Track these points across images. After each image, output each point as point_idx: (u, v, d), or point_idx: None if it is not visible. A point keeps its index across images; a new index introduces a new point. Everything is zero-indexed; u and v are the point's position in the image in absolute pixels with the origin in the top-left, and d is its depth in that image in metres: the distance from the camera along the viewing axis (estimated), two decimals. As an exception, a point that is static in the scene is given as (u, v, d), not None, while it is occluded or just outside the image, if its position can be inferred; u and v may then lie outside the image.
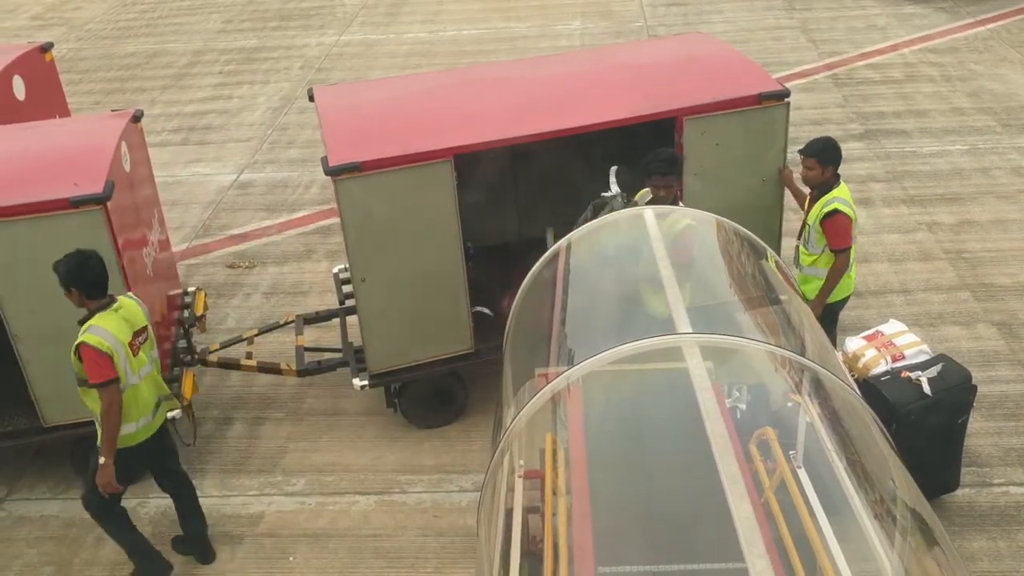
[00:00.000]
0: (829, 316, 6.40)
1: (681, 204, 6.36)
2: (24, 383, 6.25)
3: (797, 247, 6.56)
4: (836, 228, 6.15)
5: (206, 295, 8.18)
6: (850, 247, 6.22)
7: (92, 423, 6.00)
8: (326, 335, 8.02)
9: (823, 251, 6.25)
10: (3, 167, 6.34)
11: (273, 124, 12.43)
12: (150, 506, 6.56)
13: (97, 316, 5.30)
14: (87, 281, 5.26)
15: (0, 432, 6.51)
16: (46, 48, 8.55)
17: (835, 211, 6.13)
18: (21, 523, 6.50)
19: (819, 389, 4.47)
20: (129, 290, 6.05)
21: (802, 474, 4.55)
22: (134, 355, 5.37)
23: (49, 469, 6.89)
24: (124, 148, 6.58)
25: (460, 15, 16.21)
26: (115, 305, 5.39)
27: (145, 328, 5.52)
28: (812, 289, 6.36)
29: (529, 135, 6.50)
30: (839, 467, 4.27)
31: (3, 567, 6.17)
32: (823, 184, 6.23)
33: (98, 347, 5.16)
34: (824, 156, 6.19)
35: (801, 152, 6.27)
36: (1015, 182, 9.77)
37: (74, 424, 6.38)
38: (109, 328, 5.25)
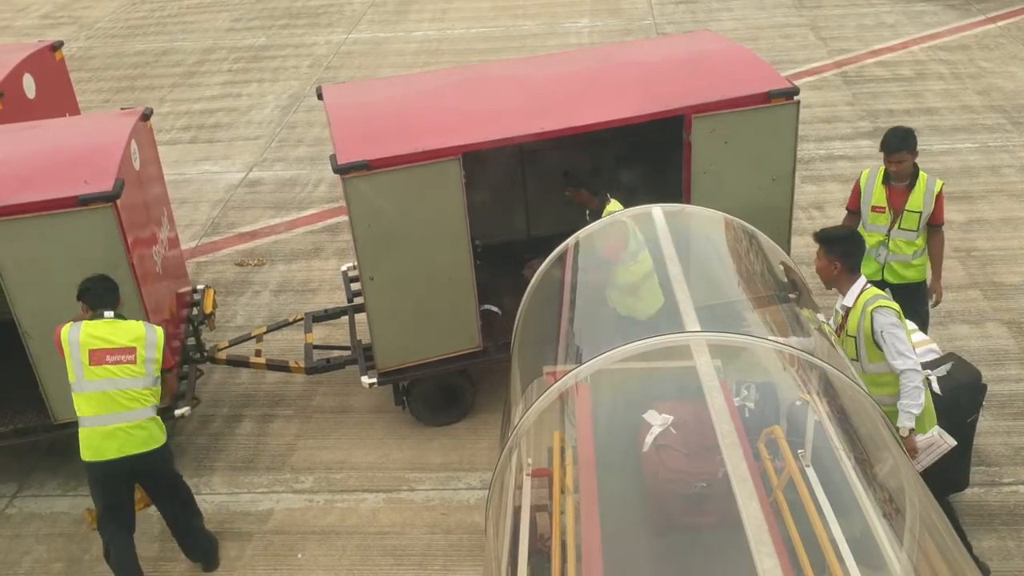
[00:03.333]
0: (924, 294, 6.55)
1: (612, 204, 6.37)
2: (35, 380, 6.27)
3: (879, 249, 6.37)
4: (943, 201, 6.35)
5: (215, 293, 8.20)
6: None
7: None
8: (335, 333, 8.03)
9: (921, 234, 6.34)
10: (14, 165, 6.36)
11: (282, 122, 12.46)
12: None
13: (87, 321, 5.57)
14: (95, 296, 5.59)
15: (11, 429, 6.53)
16: (56, 47, 8.58)
17: (943, 184, 6.31)
18: (31, 519, 6.53)
19: (828, 387, 4.46)
20: (140, 289, 6.08)
21: (810, 473, 4.54)
22: (91, 363, 5.41)
23: (59, 466, 6.93)
24: (134, 146, 6.60)
25: (469, 13, 16.21)
26: (109, 316, 5.55)
27: (132, 350, 5.47)
28: (916, 274, 6.46)
29: (538, 134, 6.50)
30: (848, 466, 4.26)
31: (13, 563, 6.20)
32: (914, 173, 6.29)
33: (58, 332, 5.51)
34: (913, 143, 6.23)
35: (893, 149, 6.19)
36: (1025, 180, 9.74)
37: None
38: (83, 331, 5.48)
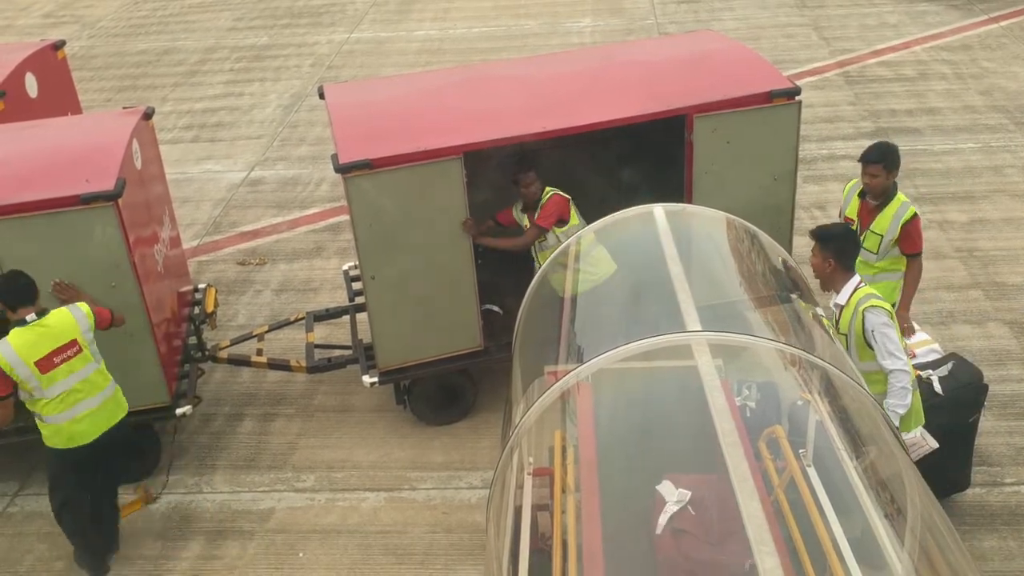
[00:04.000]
0: None
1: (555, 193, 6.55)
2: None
3: None
4: (918, 231, 6.09)
5: (217, 292, 8.21)
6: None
7: None
8: (336, 332, 8.04)
9: (883, 258, 6.14)
10: (16, 164, 6.37)
11: (284, 121, 12.46)
12: (160, 501, 6.58)
13: (12, 331, 5.43)
14: (10, 292, 5.45)
15: (12, 428, 6.52)
16: (58, 46, 8.59)
17: (916, 214, 6.04)
18: (33, 518, 6.54)
19: (829, 387, 4.46)
20: (142, 288, 6.09)
21: (812, 472, 4.54)
22: (44, 372, 5.42)
23: (61, 464, 6.93)
24: (135, 145, 6.60)
25: (470, 12, 16.22)
26: (37, 321, 5.44)
27: (74, 342, 5.51)
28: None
29: (539, 133, 6.50)
30: (849, 466, 4.26)
31: (15, 561, 6.21)
32: (887, 191, 6.08)
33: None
34: (889, 161, 6.02)
35: (868, 160, 6.05)
36: (1028, 180, 9.73)
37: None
38: (15, 345, 5.37)
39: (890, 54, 13.14)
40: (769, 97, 6.62)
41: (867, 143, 10.35)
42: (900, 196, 6.11)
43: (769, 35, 14.11)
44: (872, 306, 5.06)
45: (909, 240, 6.08)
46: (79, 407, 5.61)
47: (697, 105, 6.54)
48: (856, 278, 5.27)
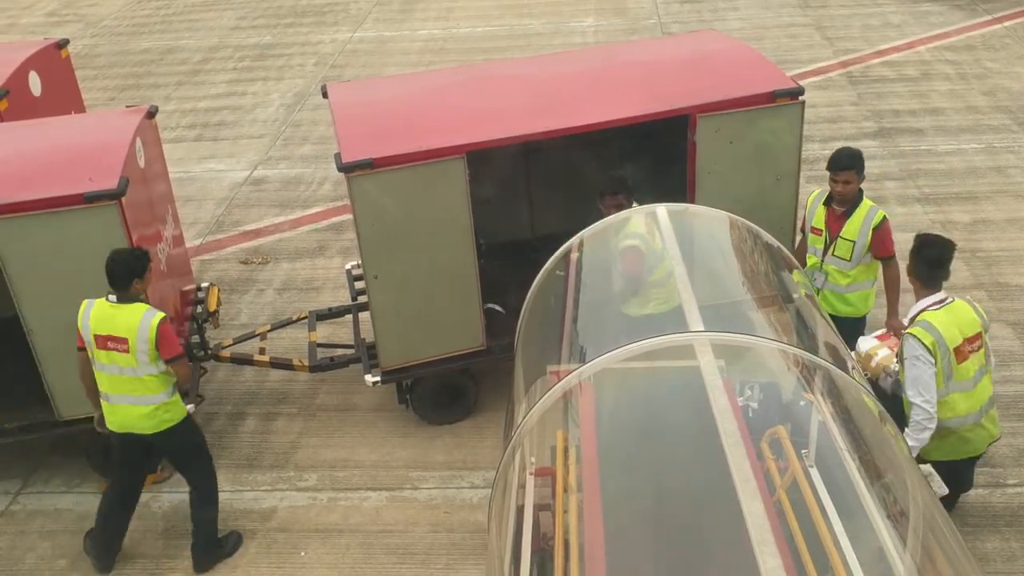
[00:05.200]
0: (859, 330, 6.23)
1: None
2: (39, 376, 6.28)
3: (816, 273, 6.23)
4: (889, 233, 6.07)
5: (219, 291, 8.21)
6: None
7: None
8: (338, 331, 8.04)
9: (857, 265, 6.09)
10: (19, 163, 6.37)
11: (287, 120, 12.47)
12: (163, 500, 6.59)
13: (99, 300, 5.65)
14: (108, 272, 5.58)
15: (15, 426, 6.55)
16: (62, 44, 8.59)
17: (885, 217, 6.02)
18: (35, 516, 6.55)
19: (832, 388, 4.45)
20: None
21: (814, 473, 4.54)
22: (98, 347, 5.58)
23: (64, 463, 6.94)
24: (138, 144, 6.61)
25: (474, 12, 16.21)
26: (115, 303, 5.57)
27: (125, 340, 5.52)
28: (851, 310, 6.20)
29: (542, 132, 6.50)
30: (851, 466, 4.25)
31: (17, 559, 6.22)
32: (851, 197, 6.04)
33: (78, 316, 5.64)
34: (859, 166, 5.97)
35: (840, 167, 5.96)
36: (1031, 181, 9.71)
37: (89, 418, 6.41)
38: (92, 311, 5.62)
39: (893, 54, 13.13)
40: (772, 97, 6.61)
41: (870, 143, 10.46)
42: (867, 201, 6.08)
43: (772, 35, 14.10)
44: (913, 333, 5.09)
45: (882, 244, 6.06)
46: (111, 397, 5.69)
47: (700, 105, 6.54)
48: (934, 297, 5.27)
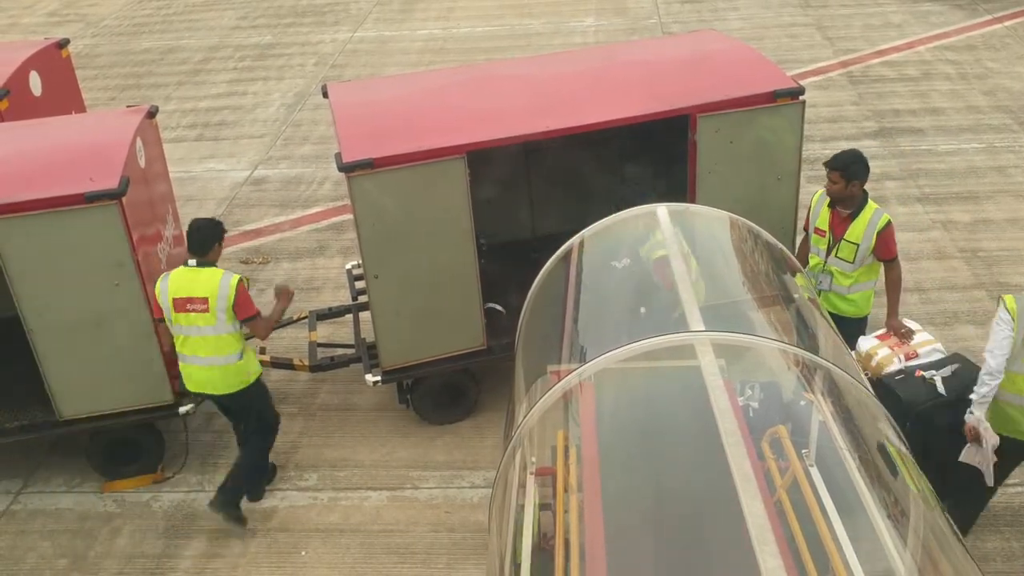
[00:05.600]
0: (860, 330, 6.25)
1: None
2: (39, 376, 6.28)
3: (819, 274, 6.23)
4: (893, 237, 6.07)
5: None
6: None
7: (104, 417, 6.42)
8: (339, 331, 8.04)
9: (859, 267, 6.09)
10: (20, 162, 6.37)
11: (287, 120, 12.47)
12: (163, 500, 6.60)
13: (176, 269, 6.06)
14: (188, 238, 6.03)
15: (16, 425, 6.55)
16: (62, 44, 8.59)
17: (889, 221, 6.02)
18: (36, 516, 6.55)
19: (832, 387, 4.45)
20: (145, 286, 6.10)
21: (814, 473, 4.54)
22: (176, 311, 5.96)
23: (64, 463, 6.94)
24: (139, 144, 6.61)
25: (474, 12, 16.21)
26: (194, 267, 5.97)
27: (205, 300, 5.89)
28: (853, 310, 6.20)
29: (542, 132, 6.50)
30: (852, 466, 4.25)
31: (18, 559, 6.22)
32: (854, 200, 6.03)
33: (155, 288, 6.09)
34: (850, 170, 5.95)
35: (830, 166, 6.00)
36: (1032, 181, 9.71)
37: (89, 418, 6.43)
38: (170, 280, 6.01)
39: (894, 54, 13.13)
40: (773, 97, 6.61)
41: (870, 143, 10.47)
42: (872, 204, 6.07)
43: (772, 35, 14.09)
44: (1004, 297, 5.25)
45: (885, 247, 6.05)
46: (190, 358, 6.05)
47: (700, 105, 6.54)
48: None
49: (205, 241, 5.97)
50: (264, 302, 8.63)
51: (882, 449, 4.33)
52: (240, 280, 5.98)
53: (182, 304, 5.93)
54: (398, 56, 14.47)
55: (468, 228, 6.43)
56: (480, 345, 6.80)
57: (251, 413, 6.33)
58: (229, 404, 6.27)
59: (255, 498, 6.48)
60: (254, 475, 6.44)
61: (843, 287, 6.16)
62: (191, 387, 6.16)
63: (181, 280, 5.96)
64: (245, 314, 5.99)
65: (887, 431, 4.25)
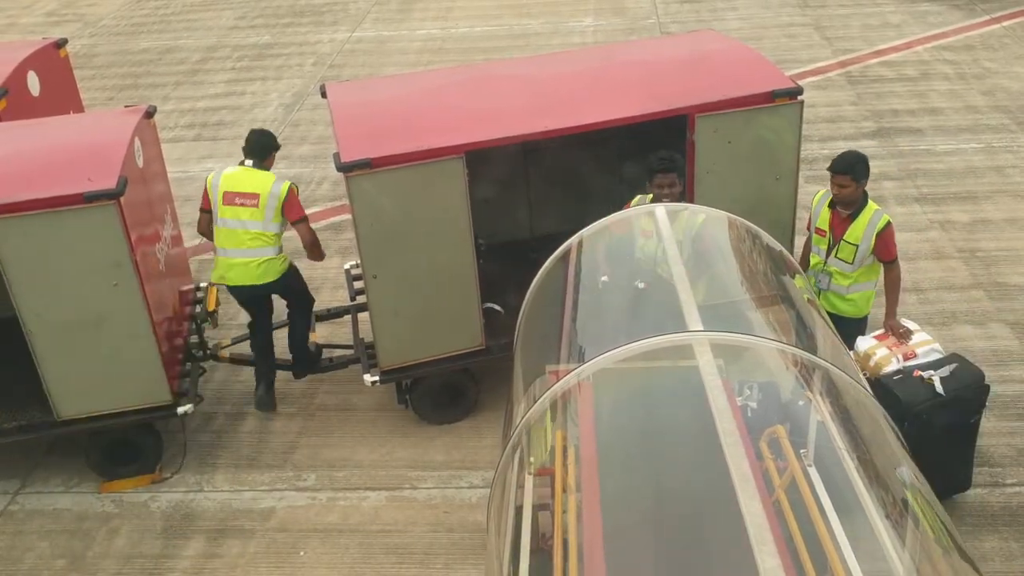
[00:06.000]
0: (860, 330, 6.26)
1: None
2: (38, 377, 6.28)
3: (819, 274, 6.24)
4: (893, 238, 6.06)
5: (218, 290, 8.20)
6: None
7: (102, 417, 6.43)
8: (337, 331, 8.04)
9: (859, 267, 6.09)
10: (18, 162, 6.37)
11: (285, 120, 12.46)
12: (161, 500, 6.59)
13: (231, 167, 6.78)
14: (247, 143, 6.76)
15: (14, 425, 6.54)
16: (60, 44, 8.58)
17: (889, 222, 6.01)
18: (34, 516, 6.54)
19: (830, 387, 4.45)
20: (143, 286, 6.10)
21: (813, 473, 4.53)
22: (224, 204, 6.56)
23: (62, 463, 6.94)
24: (137, 144, 6.61)
25: (472, 12, 16.21)
26: (248, 165, 6.66)
27: (253, 195, 6.51)
28: (852, 309, 6.20)
29: (541, 132, 6.50)
30: (850, 466, 4.25)
31: (16, 559, 6.21)
32: (857, 201, 6.02)
33: (208, 178, 6.74)
34: (857, 171, 5.95)
35: (835, 170, 5.96)
36: (1030, 181, 9.72)
37: (87, 418, 6.42)
38: (223, 174, 6.68)
39: (892, 54, 13.13)
40: (771, 97, 6.61)
41: (869, 143, 10.47)
42: (872, 204, 6.07)
43: (771, 35, 14.10)
44: None
45: (885, 248, 6.04)
46: (231, 251, 6.62)
47: (699, 105, 6.54)
48: None
49: (265, 147, 6.70)
50: (262, 302, 8.64)
51: (883, 443, 4.33)
52: (293, 185, 6.62)
53: (231, 197, 6.52)
54: (396, 56, 14.46)
55: (466, 228, 6.42)
56: (479, 345, 6.80)
57: (292, 293, 7.05)
58: (271, 292, 6.88)
59: (303, 373, 7.28)
60: (304, 349, 7.17)
61: (842, 287, 6.17)
62: (228, 280, 6.74)
63: (236, 177, 6.61)
64: (296, 215, 6.62)
65: (886, 431, 4.25)
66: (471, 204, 6.39)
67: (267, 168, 6.70)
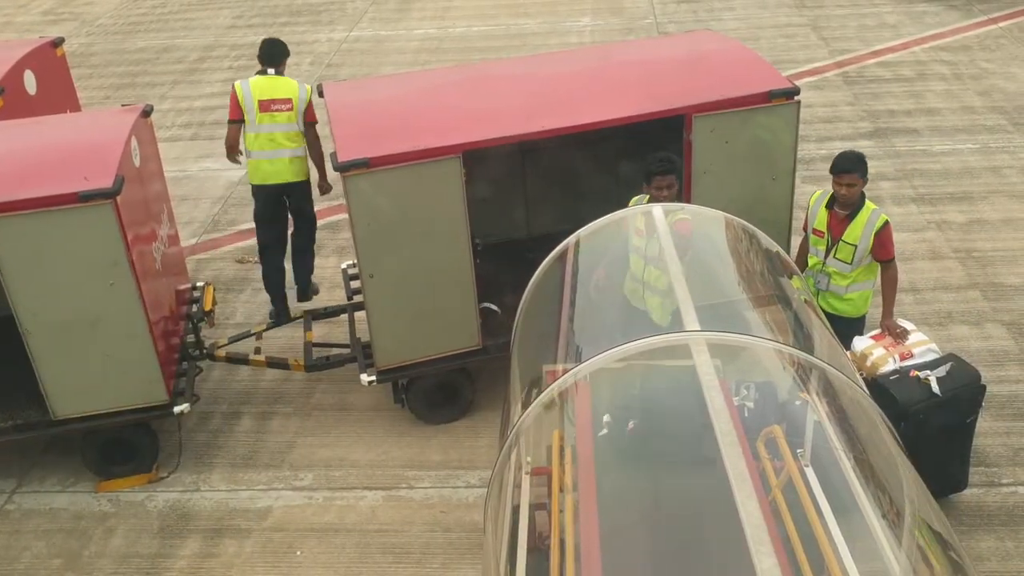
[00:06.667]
0: (858, 329, 6.26)
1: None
2: (34, 376, 6.27)
3: (818, 275, 6.23)
4: (891, 238, 6.06)
5: (215, 290, 8.20)
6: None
7: (99, 417, 6.41)
8: (334, 331, 8.03)
9: (857, 267, 6.08)
10: (14, 161, 6.36)
11: (282, 120, 12.43)
12: (158, 499, 6.59)
13: (255, 76, 7.45)
14: (262, 51, 7.51)
15: (10, 425, 6.53)
16: (57, 43, 8.57)
17: (887, 222, 6.01)
18: (30, 515, 6.54)
19: (827, 387, 4.46)
20: (139, 286, 6.09)
21: (809, 473, 4.55)
22: (261, 111, 7.26)
23: (59, 462, 6.93)
24: (134, 143, 6.60)
25: (470, 11, 16.21)
26: (272, 75, 7.38)
27: (287, 101, 7.27)
28: (851, 309, 6.20)
29: (538, 132, 6.50)
30: (847, 466, 4.26)
31: (12, 559, 6.20)
32: (858, 201, 6.02)
33: (234, 86, 7.40)
34: (864, 168, 5.96)
35: (842, 169, 5.94)
36: (1026, 181, 9.73)
37: (84, 417, 6.41)
38: (252, 83, 7.35)
39: (889, 54, 13.15)
40: (768, 97, 6.62)
41: (865, 143, 10.48)
42: (869, 204, 6.07)
43: (768, 35, 14.11)
44: None
45: (883, 248, 6.04)
46: (268, 152, 7.33)
47: (696, 105, 6.54)
48: None
49: (277, 54, 7.42)
50: (259, 302, 8.64)
51: (879, 443, 4.34)
52: (311, 87, 7.34)
53: (267, 105, 7.22)
54: (394, 56, 14.46)
55: (464, 228, 6.42)
56: (475, 345, 6.80)
57: (306, 202, 7.72)
58: (292, 192, 7.54)
59: (307, 298, 8.03)
60: (310, 266, 8.02)
61: (840, 287, 6.17)
62: (263, 180, 7.41)
63: (263, 85, 7.27)
64: (312, 117, 7.38)
65: (882, 431, 4.26)
66: (468, 204, 6.39)
67: (282, 74, 7.45)
